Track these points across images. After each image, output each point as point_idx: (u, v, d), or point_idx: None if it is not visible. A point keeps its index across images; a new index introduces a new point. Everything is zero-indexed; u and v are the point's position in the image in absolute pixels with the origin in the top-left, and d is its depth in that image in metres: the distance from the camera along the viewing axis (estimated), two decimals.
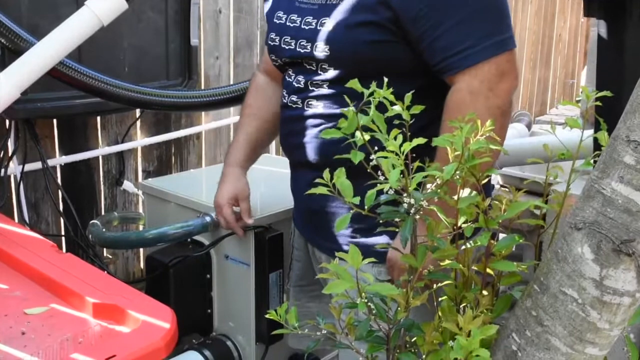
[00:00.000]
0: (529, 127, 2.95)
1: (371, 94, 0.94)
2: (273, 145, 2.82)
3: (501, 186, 2.32)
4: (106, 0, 1.58)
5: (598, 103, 1.07)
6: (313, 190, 0.96)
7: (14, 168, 1.93)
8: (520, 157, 1.94)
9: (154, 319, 1.16)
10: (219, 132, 2.77)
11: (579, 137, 1.09)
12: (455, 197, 0.99)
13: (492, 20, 1.26)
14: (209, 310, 1.80)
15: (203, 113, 2.64)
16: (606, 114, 1.08)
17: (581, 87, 1.06)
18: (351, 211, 0.96)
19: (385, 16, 1.26)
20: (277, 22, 1.45)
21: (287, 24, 1.41)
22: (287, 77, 1.46)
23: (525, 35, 4.95)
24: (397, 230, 0.99)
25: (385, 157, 0.91)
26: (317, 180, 0.95)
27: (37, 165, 1.98)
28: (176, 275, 1.68)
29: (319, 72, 1.36)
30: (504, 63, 1.25)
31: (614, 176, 0.85)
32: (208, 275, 1.76)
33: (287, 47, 1.41)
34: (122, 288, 1.27)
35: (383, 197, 0.95)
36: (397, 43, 1.27)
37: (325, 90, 1.36)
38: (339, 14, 1.31)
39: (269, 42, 1.48)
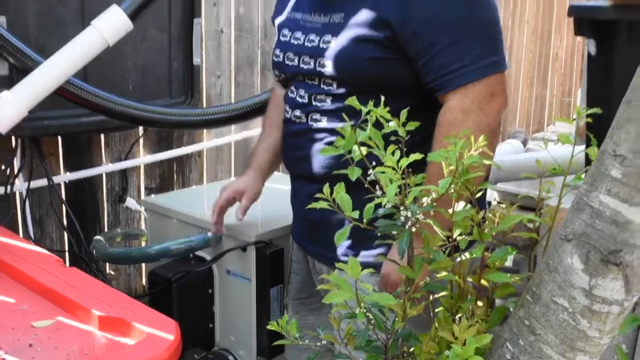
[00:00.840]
0: (524, 143, 3.00)
1: (368, 112, 0.98)
2: None
3: (498, 202, 2.36)
4: (112, 21, 1.62)
5: (589, 120, 1.12)
6: (314, 205, 0.99)
7: (19, 185, 1.97)
8: (514, 172, 1.99)
9: (159, 331, 1.19)
10: (220, 150, 2.80)
11: (569, 153, 1.12)
12: (450, 211, 1.02)
13: (485, 42, 1.32)
14: (211, 325, 1.82)
15: (205, 131, 2.68)
16: (597, 130, 1.11)
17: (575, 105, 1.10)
18: (350, 224, 1.00)
19: (385, 35, 1.32)
20: (282, 39, 1.50)
21: (291, 41, 1.47)
22: (289, 93, 1.51)
23: (522, 54, 5.01)
24: (394, 243, 1.02)
25: (383, 172, 0.95)
26: (318, 195, 0.99)
27: (42, 182, 2.01)
28: (179, 290, 1.71)
29: (322, 87, 1.41)
30: (495, 84, 1.30)
31: (601, 189, 0.88)
32: (210, 291, 1.79)
33: (290, 64, 1.46)
34: (127, 301, 1.30)
35: (381, 211, 0.99)
36: (395, 60, 1.32)
37: (328, 105, 1.40)
38: (341, 32, 1.37)
39: (274, 58, 1.54)
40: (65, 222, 2.13)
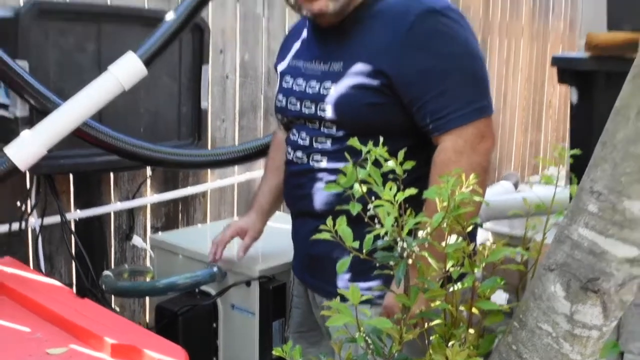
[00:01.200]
0: (516, 185, 3.11)
1: (368, 151, 1.08)
2: None
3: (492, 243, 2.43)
4: (128, 66, 1.73)
5: (571, 161, 1.21)
6: (318, 236, 1.08)
7: (32, 221, 2.05)
8: (504, 210, 2.09)
9: (169, 358, 1.25)
10: (223, 191, 2.89)
11: (561, 192, 1.22)
12: (444, 243, 1.11)
13: (473, 89, 1.43)
14: (215, 358, 1.88)
15: (209, 172, 2.78)
16: (580, 170, 1.21)
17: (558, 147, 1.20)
18: (351, 255, 1.08)
19: (381, 82, 1.42)
20: (285, 85, 1.61)
21: (294, 87, 1.57)
22: (291, 136, 1.60)
23: (516, 101, 5.16)
24: (391, 273, 1.10)
25: (381, 205, 1.04)
26: (321, 227, 1.08)
27: (55, 219, 2.10)
28: (185, 323, 1.77)
29: (323, 130, 1.50)
30: (483, 127, 1.41)
31: (580, 223, 0.97)
32: (214, 324, 1.85)
33: (292, 108, 1.56)
34: (138, 330, 1.36)
35: (380, 243, 1.07)
36: (391, 105, 1.43)
37: (328, 147, 1.50)
38: (340, 79, 1.47)
39: (277, 103, 1.64)
40: (73, 259, 2.20)
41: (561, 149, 1.22)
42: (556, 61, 1.54)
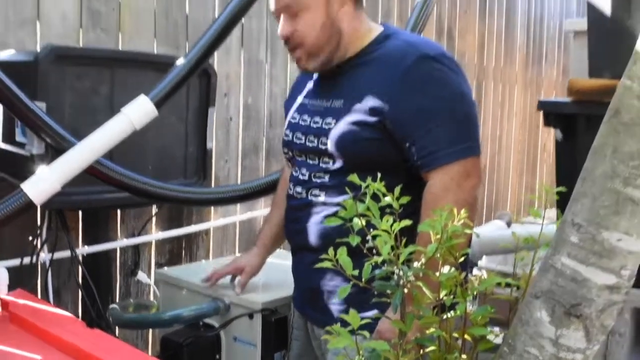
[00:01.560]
0: (509, 224, 3.21)
1: (367, 186, 1.17)
2: None
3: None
4: (140, 108, 1.83)
5: (556, 197, 1.30)
6: (320, 265, 1.15)
7: (43, 256, 2.12)
8: (496, 245, 2.17)
9: None
10: (225, 229, 2.97)
11: (548, 228, 1.30)
12: (437, 273, 1.18)
13: (462, 130, 1.53)
14: None
15: (212, 211, 2.86)
16: (564, 206, 1.29)
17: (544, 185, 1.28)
18: (350, 282, 1.15)
19: (377, 119, 1.53)
20: (292, 121, 1.72)
21: (300, 122, 1.68)
22: (293, 172, 1.70)
23: (511, 144, 5.28)
24: (388, 301, 1.18)
25: (379, 235, 1.12)
26: (323, 257, 1.15)
27: (64, 254, 2.17)
28: (189, 354, 1.82)
29: (321, 165, 1.60)
30: (470, 165, 1.50)
31: (563, 253, 1.05)
32: (217, 356, 1.91)
33: (298, 142, 1.67)
34: (148, 359, 1.42)
35: (378, 272, 1.15)
36: (386, 141, 1.53)
37: (326, 181, 1.59)
38: (340, 115, 1.58)
39: (284, 138, 1.75)
40: (81, 292, 2.26)
41: (547, 186, 1.31)
42: (542, 105, 1.65)
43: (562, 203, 1.30)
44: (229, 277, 1.93)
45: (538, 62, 5.56)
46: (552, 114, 1.60)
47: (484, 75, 4.83)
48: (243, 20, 2.33)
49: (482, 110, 4.85)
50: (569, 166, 1.46)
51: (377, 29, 1.66)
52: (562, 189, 1.26)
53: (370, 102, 1.53)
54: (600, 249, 1.01)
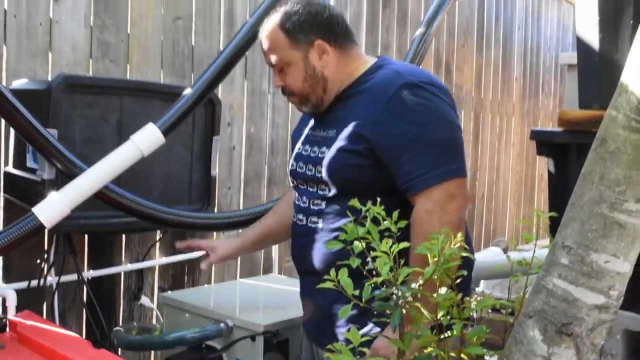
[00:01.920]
0: (505, 251, 3.26)
1: (367, 209, 1.22)
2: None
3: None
4: (148, 136, 1.90)
5: (549, 222, 1.35)
6: (322, 286, 1.20)
7: (50, 279, 2.17)
8: (492, 270, 2.22)
9: None
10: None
11: (542, 252, 1.35)
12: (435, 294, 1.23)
13: (444, 153, 1.59)
14: None
15: (215, 238, 2.90)
16: (556, 231, 1.35)
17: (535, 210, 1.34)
18: (351, 303, 1.20)
19: (363, 146, 1.60)
20: (297, 151, 1.80)
21: (302, 152, 1.76)
22: (296, 201, 1.77)
23: (508, 175, 5.35)
24: (388, 320, 1.22)
25: (378, 257, 1.17)
26: (325, 277, 1.21)
27: (71, 277, 2.21)
28: None
29: (318, 192, 1.68)
30: (453, 188, 1.56)
31: (554, 274, 1.10)
32: None
33: (300, 171, 1.74)
34: None
35: (377, 292, 1.20)
36: (373, 167, 1.60)
37: (322, 207, 1.67)
38: (332, 144, 1.66)
39: (289, 167, 1.83)
40: (86, 314, 2.30)
41: (538, 210, 1.36)
42: (535, 135, 1.72)
43: (554, 228, 1.36)
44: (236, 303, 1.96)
45: (535, 93, 5.66)
46: (545, 143, 1.67)
47: (481, 107, 4.92)
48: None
49: (480, 141, 4.93)
50: (561, 193, 1.52)
51: (370, 62, 1.74)
52: (553, 214, 1.32)
53: (357, 129, 1.61)
54: (589, 270, 1.06)
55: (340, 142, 1.64)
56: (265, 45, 1.72)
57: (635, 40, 1.02)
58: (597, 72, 1.64)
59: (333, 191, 1.65)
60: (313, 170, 1.70)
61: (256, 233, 2.00)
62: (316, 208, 1.69)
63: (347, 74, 1.71)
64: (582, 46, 1.68)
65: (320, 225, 1.67)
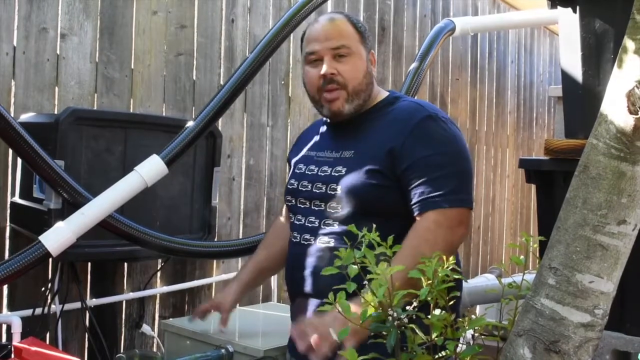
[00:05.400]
0: (499, 277, 3.32)
1: (363, 236, 1.28)
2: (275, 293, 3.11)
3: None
4: (152, 167, 1.97)
5: (536, 246, 1.41)
6: (322, 309, 1.25)
7: (54, 307, 2.21)
8: (484, 294, 2.28)
9: None
10: (227, 284, 3.04)
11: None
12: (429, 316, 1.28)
13: (461, 183, 1.68)
14: None
15: (214, 266, 2.96)
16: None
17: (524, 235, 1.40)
18: (349, 324, 1.25)
19: (387, 164, 1.67)
20: (297, 171, 1.85)
21: (306, 172, 1.82)
22: (296, 221, 1.81)
23: (504, 205, 5.41)
24: (384, 341, 1.27)
25: (374, 279, 1.23)
26: (325, 300, 1.26)
27: (74, 305, 2.25)
28: None
29: (329, 211, 1.72)
30: (464, 215, 1.64)
31: (542, 294, 1.16)
32: None
33: (304, 190, 1.80)
34: None
35: (374, 314, 1.25)
36: (391, 188, 1.67)
37: (335, 229, 1.71)
38: (351, 164, 1.72)
39: (288, 186, 1.87)
40: (89, 342, 2.33)
41: (526, 234, 1.42)
42: (523, 163, 1.80)
43: (543, 252, 1.42)
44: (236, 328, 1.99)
45: (529, 125, 5.76)
46: (532, 171, 1.75)
47: (476, 139, 5.00)
48: None
49: (475, 173, 5.01)
50: (548, 218, 1.58)
51: (384, 92, 1.86)
52: (542, 238, 1.37)
53: (381, 150, 1.68)
54: (574, 290, 1.12)
55: (361, 161, 1.70)
56: (333, 30, 1.75)
57: (613, 74, 1.10)
58: (580, 103, 1.72)
59: (346, 209, 1.69)
60: (323, 188, 1.74)
61: (249, 273, 2.02)
62: (328, 229, 1.72)
63: (374, 94, 1.81)
64: (566, 79, 1.77)
65: (332, 244, 1.70)
